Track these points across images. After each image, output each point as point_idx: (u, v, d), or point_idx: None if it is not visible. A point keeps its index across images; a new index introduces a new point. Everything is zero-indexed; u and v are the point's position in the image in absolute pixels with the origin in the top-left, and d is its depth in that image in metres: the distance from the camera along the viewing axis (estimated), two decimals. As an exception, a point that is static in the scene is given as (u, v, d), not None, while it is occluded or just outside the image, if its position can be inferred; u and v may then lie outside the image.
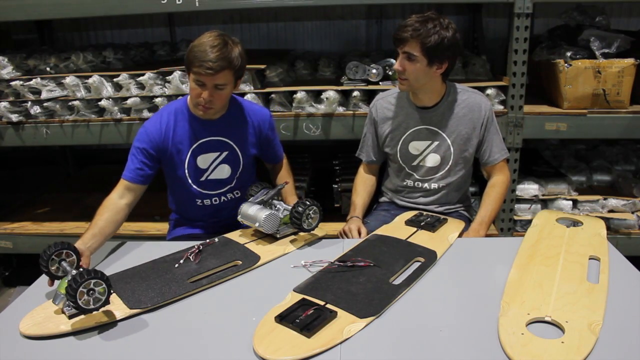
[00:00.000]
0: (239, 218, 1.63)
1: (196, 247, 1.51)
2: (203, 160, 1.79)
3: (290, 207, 1.59)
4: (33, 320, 1.17)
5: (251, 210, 1.60)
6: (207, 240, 1.58)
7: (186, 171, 1.79)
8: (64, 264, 1.28)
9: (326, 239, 1.63)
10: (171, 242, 1.76)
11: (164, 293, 1.28)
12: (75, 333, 1.14)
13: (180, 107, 1.78)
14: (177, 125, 1.76)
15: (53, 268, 1.29)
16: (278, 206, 1.66)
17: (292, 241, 1.59)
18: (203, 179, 1.81)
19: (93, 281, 1.10)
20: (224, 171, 1.83)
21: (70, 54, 2.60)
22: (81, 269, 1.14)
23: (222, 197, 1.86)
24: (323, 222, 1.60)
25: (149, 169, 1.73)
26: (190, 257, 1.46)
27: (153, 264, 1.44)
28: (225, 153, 1.81)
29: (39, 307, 1.23)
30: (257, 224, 1.56)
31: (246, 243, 1.58)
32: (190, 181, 1.80)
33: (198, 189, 1.82)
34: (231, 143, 1.81)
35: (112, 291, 1.15)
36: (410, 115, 1.87)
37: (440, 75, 1.76)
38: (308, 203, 1.54)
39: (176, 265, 1.42)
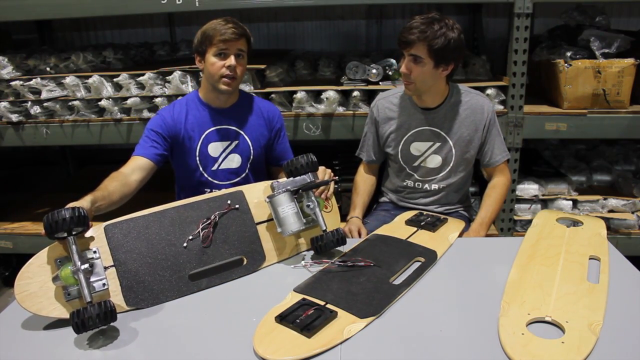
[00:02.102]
0: (266, 200, 1.45)
1: (212, 219, 1.41)
2: (214, 149, 1.82)
3: (320, 218, 1.47)
4: (30, 286, 1.16)
5: (283, 210, 1.41)
6: (228, 202, 1.46)
7: (197, 159, 1.82)
8: (73, 246, 1.18)
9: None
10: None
11: (164, 291, 1.28)
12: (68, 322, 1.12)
13: (191, 97, 1.85)
14: (189, 113, 1.80)
15: (58, 235, 1.18)
16: (311, 205, 1.48)
17: (299, 244, 1.55)
18: (214, 167, 1.84)
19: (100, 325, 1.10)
20: (234, 161, 1.85)
21: (70, 54, 2.60)
22: (91, 318, 1.07)
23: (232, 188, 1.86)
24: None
25: (162, 148, 1.74)
26: (200, 233, 1.38)
27: (161, 217, 1.36)
28: (235, 142, 1.84)
29: (37, 265, 1.19)
30: (279, 229, 1.43)
31: (260, 223, 1.49)
32: (201, 169, 1.83)
33: (209, 178, 1.84)
34: (241, 132, 1.84)
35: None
36: (413, 116, 1.87)
37: (444, 77, 1.76)
38: (338, 242, 1.45)
39: (184, 244, 1.36)
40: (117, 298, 1.22)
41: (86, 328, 1.08)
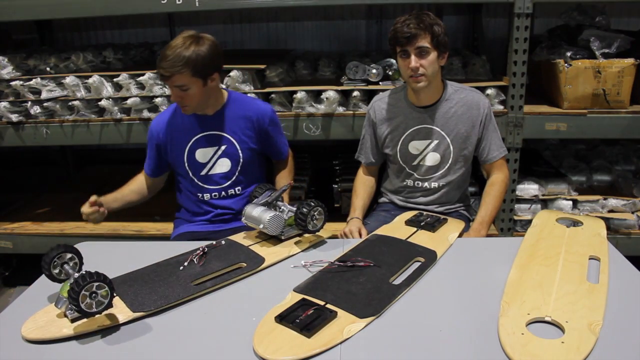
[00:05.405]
0: (243, 220, 1.61)
1: (201, 249, 1.49)
2: (202, 155, 1.84)
3: (295, 209, 1.56)
4: (35, 324, 1.16)
5: (255, 212, 1.57)
6: (214, 242, 1.56)
7: (186, 165, 1.84)
8: (66, 267, 1.26)
9: (328, 239, 1.63)
10: (176, 242, 1.77)
11: (167, 296, 1.27)
12: (77, 337, 1.13)
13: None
14: (175, 121, 1.84)
15: (55, 271, 1.26)
16: (282, 207, 1.62)
17: (296, 243, 1.57)
18: (204, 173, 1.85)
19: (95, 284, 1.09)
20: (224, 165, 1.86)
21: (70, 54, 2.60)
22: (83, 272, 1.13)
23: (223, 192, 1.88)
24: (323, 222, 1.59)
25: (159, 161, 1.89)
26: (195, 260, 1.44)
27: (157, 267, 1.43)
28: (223, 147, 1.84)
29: (41, 310, 1.21)
30: (261, 226, 1.54)
31: (251, 245, 1.56)
32: (191, 175, 1.85)
33: (199, 183, 1.86)
34: (228, 136, 1.84)
35: (114, 294, 1.13)
36: (409, 115, 1.87)
37: (440, 69, 1.78)
38: (312, 204, 1.51)
39: (181, 268, 1.40)
40: (122, 311, 1.20)
41: (81, 288, 1.07)
